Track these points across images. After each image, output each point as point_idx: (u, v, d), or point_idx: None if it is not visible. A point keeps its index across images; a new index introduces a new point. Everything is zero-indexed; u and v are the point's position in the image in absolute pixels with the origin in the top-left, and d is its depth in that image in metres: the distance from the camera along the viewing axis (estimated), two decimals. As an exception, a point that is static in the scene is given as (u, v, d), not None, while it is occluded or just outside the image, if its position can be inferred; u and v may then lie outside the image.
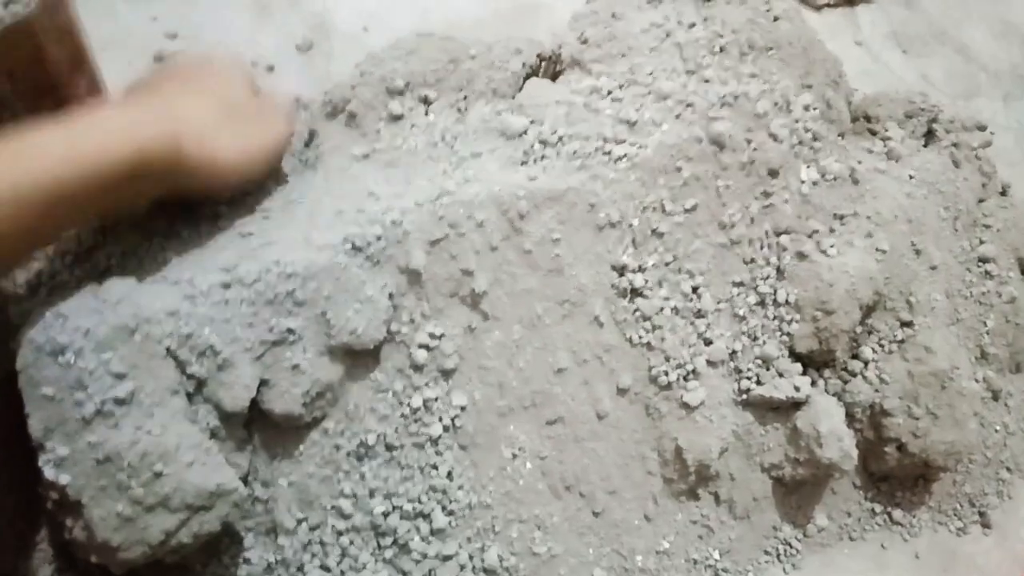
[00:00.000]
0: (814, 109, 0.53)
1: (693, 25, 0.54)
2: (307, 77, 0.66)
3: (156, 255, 0.43)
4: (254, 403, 0.41)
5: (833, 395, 0.53)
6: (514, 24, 0.75)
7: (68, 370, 0.36)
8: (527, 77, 0.54)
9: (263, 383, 0.41)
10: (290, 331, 0.40)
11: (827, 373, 0.54)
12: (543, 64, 0.57)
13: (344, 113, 0.52)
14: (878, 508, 0.56)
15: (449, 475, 0.45)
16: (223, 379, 0.39)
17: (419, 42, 0.53)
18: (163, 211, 0.45)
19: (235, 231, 0.45)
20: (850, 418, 0.53)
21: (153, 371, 0.37)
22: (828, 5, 0.86)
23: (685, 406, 0.48)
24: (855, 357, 0.54)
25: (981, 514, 0.58)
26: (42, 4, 0.41)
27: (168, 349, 0.38)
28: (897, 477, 0.56)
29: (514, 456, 0.46)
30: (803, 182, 0.51)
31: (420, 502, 0.45)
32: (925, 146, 0.63)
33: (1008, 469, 0.59)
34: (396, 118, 0.50)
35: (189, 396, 0.39)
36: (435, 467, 0.45)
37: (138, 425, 0.36)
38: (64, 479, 0.36)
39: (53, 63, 0.43)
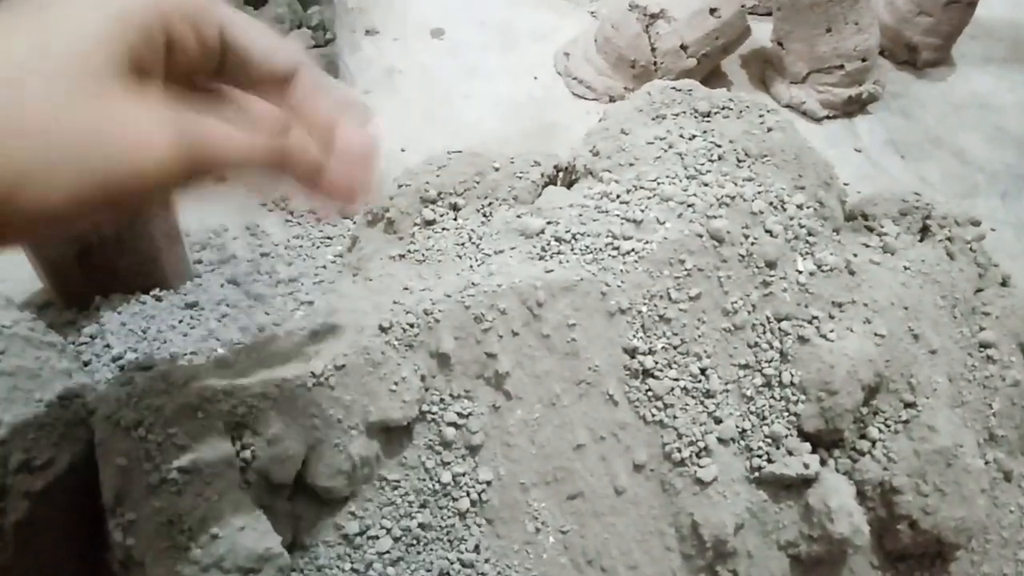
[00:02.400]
0: (807, 207, 0.58)
1: (693, 137, 0.61)
2: (350, 192, 0.74)
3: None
4: (299, 477, 0.45)
5: (844, 474, 0.56)
6: (536, 140, 0.84)
7: (139, 443, 0.41)
8: (545, 185, 0.61)
9: (308, 458, 0.45)
10: (333, 410, 0.45)
11: (837, 453, 0.56)
12: (560, 174, 0.64)
13: (383, 220, 0.59)
14: (898, 588, 0.57)
15: (476, 548, 0.48)
16: (273, 454, 0.44)
17: (449, 158, 0.60)
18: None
19: (282, 328, 0.51)
20: (862, 496, 0.55)
21: (212, 445, 0.42)
22: (828, 117, 0.93)
23: (699, 482, 0.51)
24: (863, 437, 0.56)
25: (1002, 594, 0.58)
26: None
27: (226, 425, 0.43)
28: (914, 556, 0.57)
29: (537, 530, 0.49)
30: (800, 272, 0.56)
31: (449, 575, 0.48)
32: (920, 241, 0.67)
33: (1027, 550, 0.60)
34: (429, 223, 0.57)
35: (242, 468, 0.43)
36: (463, 540, 0.48)
37: (198, 492, 0.40)
38: (131, 541, 0.40)
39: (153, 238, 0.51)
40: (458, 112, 0.85)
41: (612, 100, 0.89)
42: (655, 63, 0.86)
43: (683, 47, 0.85)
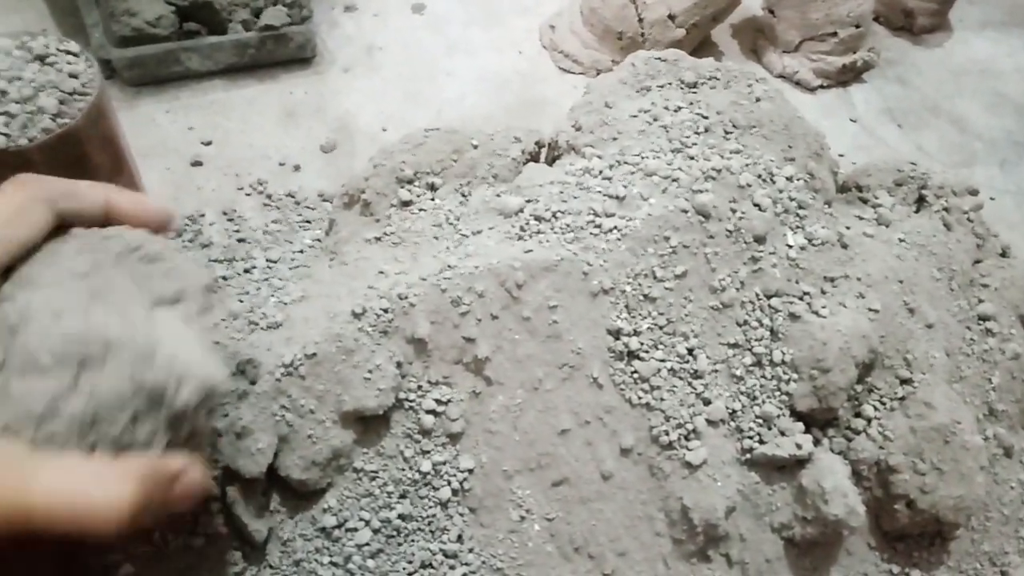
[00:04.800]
0: (797, 180, 0.56)
1: (679, 109, 0.58)
2: (330, 175, 0.72)
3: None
4: (272, 470, 0.44)
5: (839, 453, 0.54)
6: (522, 118, 0.81)
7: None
8: (527, 163, 0.59)
9: (279, 450, 0.44)
10: (304, 400, 0.44)
11: (831, 432, 0.55)
12: (542, 151, 0.62)
13: (359, 203, 0.57)
14: (896, 569, 0.56)
15: (459, 538, 0.47)
16: (242, 446, 0.42)
17: (426, 136, 0.58)
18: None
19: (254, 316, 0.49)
20: (857, 476, 0.54)
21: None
22: (822, 86, 0.91)
23: (688, 465, 0.50)
24: (858, 415, 0.55)
25: (1003, 573, 0.57)
26: (87, 116, 0.47)
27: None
28: (912, 536, 0.56)
29: (522, 518, 0.48)
30: (790, 247, 0.54)
31: (432, 567, 0.46)
32: (916, 212, 0.65)
33: (1028, 526, 0.59)
34: (405, 204, 0.55)
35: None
36: (446, 530, 0.47)
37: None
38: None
39: (96, 167, 0.49)
40: (441, 89, 0.82)
41: (599, 73, 0.87)
42: (642, 34, 0.84)
43: (671, 17, 0.83)
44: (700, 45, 0.90)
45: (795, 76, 0.90)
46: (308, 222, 0.66)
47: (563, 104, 0.82)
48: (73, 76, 0.47)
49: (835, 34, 0.88)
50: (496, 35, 0.89)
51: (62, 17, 0.79)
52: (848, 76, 0.91)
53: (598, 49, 0.86)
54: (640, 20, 0.83)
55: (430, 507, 0.47)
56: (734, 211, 0.52)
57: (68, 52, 0.48)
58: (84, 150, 0.47)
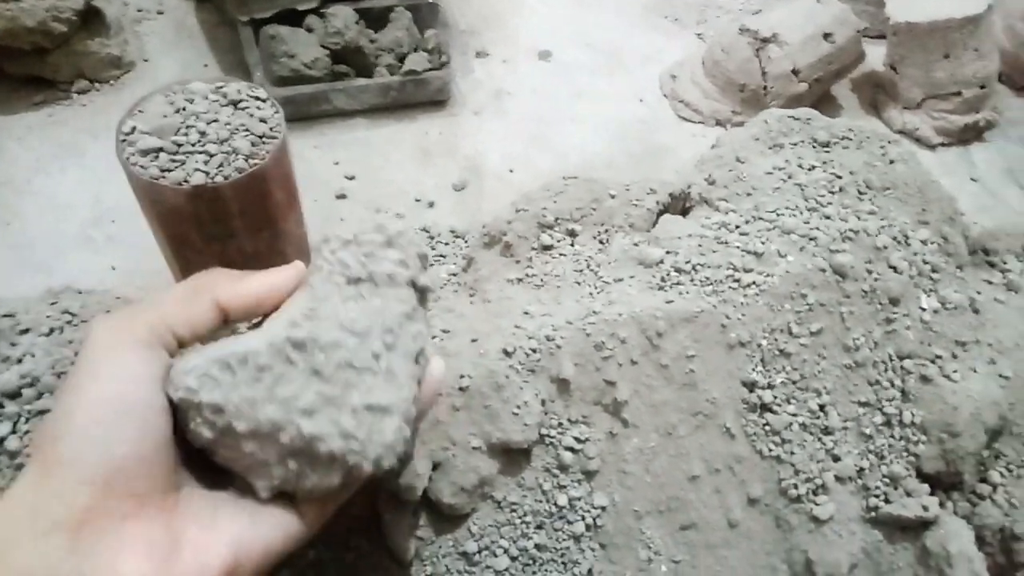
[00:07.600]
0: (931, 243, 0.57)
1: (813, 168, 0.60)
2: (462, 212, 0.76)
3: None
4: (424, 493, 0.47)
5: (962, 517, 0.54)
6: (642, 164, 0.84)
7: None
8: (660, 213, 0.61)
9: (432, 475, 0.47)
10: (457, 430, 0.47)
11: (955, 495, 0.55)
12: (673, 201, 0.64)
13: (500, 243, 0.60)
14: (1017, 639, 0.55)
15: (590, 573, 0.49)
16: (402, 471, 0.46)
17: (566, 184, 0.61)
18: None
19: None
20: (980, 541, 0.54)
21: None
22: (943, 144, 0.91)
23: (815, 519, 0.51)
24: (983, 481, 0.55)
25: None
26: (273, 157, 0.51)
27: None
28: (1036, 607, 0.55)
29: (650, 560, 0.50)
30: (923, 310, 0.55)
31: (562, 597, 0.49)
32: (1047, 278, 0.65)
33: None
34: (546, 248, 0.58)
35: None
36: (577, 563, 0.49)
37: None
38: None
39: (276, 202, 0.53)
40: (565, 134, 0.86)
41: (719, 123, 0.89)
42: (765, 87, 0.86)
43: (795, 72, 0.85)
44: (820, 99, 0.91)
45: (915, 133, 0.90)
46: (442, 256, 0.70)
47: (681, 152, 0.85)
48: (263, 121, 0.52)
49: (959, 93, 0.88)
50: (618, 83, 0.93)
51: (221, 54, 0.85)
52: (969, 135, 0.91)
53: (719, 100, 0.88)
54: (764, 73, 0.85)
55: (564, 540, 0.49)
56: (870, 272, 0.54)
57: (257, 98, 0.53)
58: (268, 187, 0.52)
